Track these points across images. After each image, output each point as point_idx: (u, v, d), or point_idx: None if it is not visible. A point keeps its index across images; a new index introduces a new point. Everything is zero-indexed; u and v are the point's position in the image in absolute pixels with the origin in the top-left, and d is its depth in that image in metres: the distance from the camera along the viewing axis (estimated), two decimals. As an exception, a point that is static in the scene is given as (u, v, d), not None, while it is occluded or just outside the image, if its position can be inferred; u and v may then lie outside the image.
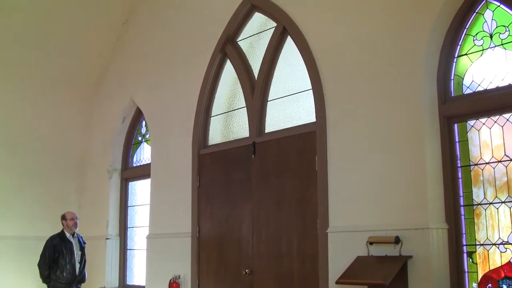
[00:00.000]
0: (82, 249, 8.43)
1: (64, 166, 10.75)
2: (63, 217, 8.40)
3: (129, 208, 10.14)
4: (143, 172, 9.68)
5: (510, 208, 5.32)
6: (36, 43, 9.80)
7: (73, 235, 8.36)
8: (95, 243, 9.73)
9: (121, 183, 10.23)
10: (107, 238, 9.94)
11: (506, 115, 5.43)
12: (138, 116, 10.15)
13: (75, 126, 10.93)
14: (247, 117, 7.82)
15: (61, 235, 8.31)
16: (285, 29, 7.40)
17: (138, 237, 9.85)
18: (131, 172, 10.18)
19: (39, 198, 10.26)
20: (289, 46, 7.42)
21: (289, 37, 7.40)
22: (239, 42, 8.17)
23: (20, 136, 10.26)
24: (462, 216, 5.61)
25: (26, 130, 10.32)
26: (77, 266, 8.26)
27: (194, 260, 8.10)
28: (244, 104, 7.93)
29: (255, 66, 7.87)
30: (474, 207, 5.56)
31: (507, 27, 5.52)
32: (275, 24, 7.61)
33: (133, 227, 10.02)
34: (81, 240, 8.49)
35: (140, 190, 9.99)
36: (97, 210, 10.26)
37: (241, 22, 8.10)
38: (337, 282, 5.76)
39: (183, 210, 8.37)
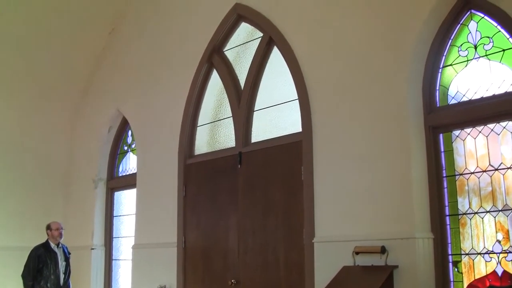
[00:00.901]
0: (67, 259, 8.38)
1: (50, 175, 10.68)
2: (48, 227, 8.34)
3: (114, 218, 10.08)
4: (129, 182, 9.65)
5: (495, 217, 5.35)
6: (21, 52, 9.75)
7: (57, 245, 8.30)
8: (80, 253, 9.67)
9: (106, 193, 10.18)
10: (92, 248, 9.87)
11: (491, 125, 5.48)
12: (124, 125, 10.12)
13: (61, 135, 10.87)
14: (233, 127, 7.82)
15: (46, 245, 8.25)
16: (271, 39, 7.42)
17: (124, 247, 9.80)
18: (116, 182, 10.13)
19: (23, 207, 10.16)
20: (276, 56, 7.44)
21: (275, 47, 7.42)
22: (225, 52, 8.18)
23: (5, 145, 10.17)
24: (448, 226, 5.64)
25: (11, 139, 10.23)
26: (62, 276, 8.20)
27: (180, 270, 8.06)
28: (230, 114, 7.93)
29: (242, 76, 7.88)
30: (460, 216, 5.59)
31: (491, 38, 5.58)
32: (261, 34, 7.63)
33: (118, 237, 9.96)
34: (66, 251, 8.43)
35: (126, 200, 9.95)
36: (82, 220, 10.19)
37: (227, 32, 8.11)
38: (323, 292, 5.77)
39: (169, 220, 8.34)
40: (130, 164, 10.01)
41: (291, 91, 7.09)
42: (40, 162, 10.53)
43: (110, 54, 10.38)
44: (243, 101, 7.71)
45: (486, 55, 5.61)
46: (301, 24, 7.03)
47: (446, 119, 5.76)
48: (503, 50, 5.49)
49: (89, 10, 9.83)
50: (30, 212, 10.15)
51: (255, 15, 7.63)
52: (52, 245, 8.26)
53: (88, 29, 10.13)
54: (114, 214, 10.10)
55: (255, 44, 7.74)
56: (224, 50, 8.20)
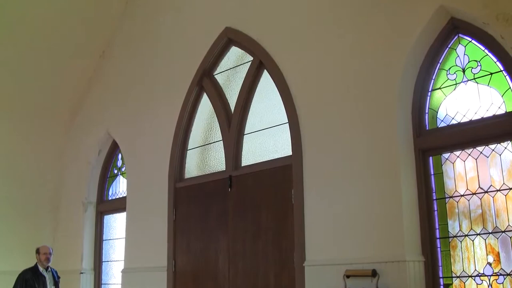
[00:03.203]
0: (56, 283, 8.31)
1: (39, 198, 10.60)
2: (37, 251, 8.29)
3: (104, 241, 10.02)
4: (119, 205, 9.60)
5: (485, 240, 5.37)
6: (10, 75, 9.74)
7: (46, 269, 8.24)
8: (69, 278, 9.56)
9: (96, 216, 10.12)
10: (81, 272, 9.79)
11: (480, 148, 5.52)
12: (114, 148, 10.10)
13: (50, 158, 10.82)
14: (223, 151, 7.82)
15: (34, 269, 8.19)
16: (261, 63, 7.46)
17: (113, 271, 9.72)
18: (106, 205, 10.08)
19: (12, 231, 10.07)
20: (266, 80, 7.47)
21: (265, 70, 7.45)
22: (215, 76, 8.21)
23: (-6, 167, 10.14)
24: (438, 249, 5.64)
25: (0, 161, 10.18)
26: (50, 300, 8.15)
27: (170, 295, 8.01)
28: (220, 138, 7.94)
29: (232, 99, 7.90)
30: (450, 239, 5.60)
31: (479, 61, 5.64)
32: (251, 58, 7.67)
33: (108, 261, 9.89)
34: (55, 275, 8.36)
35: (116, 223, 9.89)
36: (71, 244, 10.11)
37: (218, 56, 8.15)
38: (314, 316, 5.74)
39: (159, 243, 8.29)
40: (120, 187, 9.97)
41: (281, 115, 7.12)
42: (29, 185, 10.47)
43: (100, 77, 10.39)
44: (233, 124, 7.72)
45: (474, 79, 5.67)
46: (291, 48, 7.08)
47: (435, 142, 5.80)
48: (491, 74, 5.55)
49: (80, 33, 9.86)
50: (18, 236, 10.07)
51: (245, 39, 7.67)
52: (41, 269, 8.20)
53: (79, 52, 10.14)
54: (104, 238, 10.04)
55: (245, 68, 7.77)
56: (214, 73, 8.22)
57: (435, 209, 5.73)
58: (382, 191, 5.83)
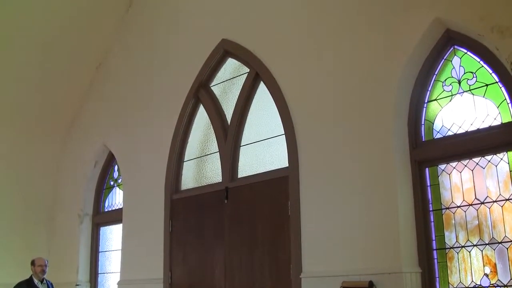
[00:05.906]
0: (51, 295, 8.28)
1: (34, 210, 10.55)
2: (32, 263, 8.25)
3: (100, 253, 9.98)
4: (115, 217, 9.56)
5: (482, 251, 5.36)
6: (6, 86, 9.73)
7: (42, 281, 8.20)
8: (65, 290, 9.55)
9: (92, 228, 10.08)
10: (77, 285, 9.74)
11: (476, 159, 5.53)
12: (110, 160, 10.08)
13: (46, 170, 10.78)
14: (219, 162, 7.82)
15: (29, 281, 8.15)
16: (257, 74, 7.47)
17: (110, 284, 9.68)
18: (102, 217, 10.05)
19: (7, 243, 10.01)
20: (262, 92, 7.48)
21: (261, 82, 7.47)
22: (212, 87, 8.21)
23: (-11, 179, 10.10)
24: (435, 260, 5.64)
25: (-5, 174, 10.17)
26: (45, 312, 8.11)
27: (166, 307, 7.98)
28: (217, 149, 7.94)
29: (228, 111, 7.90)
30: (447, 250, 5.60)
31: (474, 73, 5.67)
32: (248, 70, 7.68)
33: (104, 273, 9.85)
34: (50, 287, 8.31)
35: (112, 235, 9.85)
36: (67, 256, 10.07)
37: (214, 68, 8.16)
38: (311, 328, 5.72)
39: (155, 255, 8.26)
40: (116, 199, 9.95)
41: (278, 126, 7.12)
42: (25, 196, 10.41)
43: (97, 88, 10.38)
44: (229, 136, 7.72)
45: (470, 90, 5.69)
46: (288, 60, 7.09)
47: (431, 154, 5.81)
48: (486, 85, 5.57)
49: (77, 44, 9.86)
50: (13, 248, 10.01)
51: (241, 50, 7.69)
52: (36, 281, 8.15)
53: (75, 64, 10.15)
54: (100, 250, 10.00)
55: (241, 80, 7.78)
56: (211, 85, 8.23)
57: (432, 220, 5.74)
58: (379, 202, 5.83)
